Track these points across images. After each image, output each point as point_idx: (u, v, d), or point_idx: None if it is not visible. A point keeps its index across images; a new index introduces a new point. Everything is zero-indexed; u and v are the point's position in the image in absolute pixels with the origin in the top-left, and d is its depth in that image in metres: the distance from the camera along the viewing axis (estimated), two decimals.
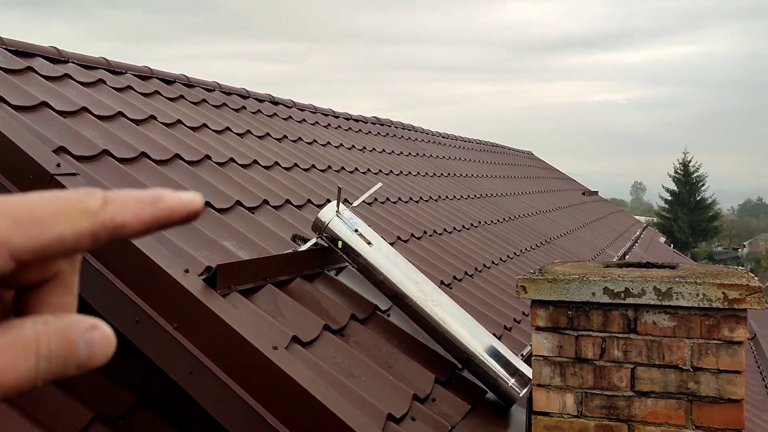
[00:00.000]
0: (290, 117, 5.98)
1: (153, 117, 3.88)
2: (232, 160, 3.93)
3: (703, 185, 63.38)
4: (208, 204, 3.14)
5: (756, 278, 2.17)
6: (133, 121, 3.67)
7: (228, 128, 4.53)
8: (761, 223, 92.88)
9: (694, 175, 63.06)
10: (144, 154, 3.24)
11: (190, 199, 0.35)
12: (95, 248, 0.34)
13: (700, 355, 2.15)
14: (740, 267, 2.50)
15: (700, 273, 2.25)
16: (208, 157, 3.72)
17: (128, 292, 2.34)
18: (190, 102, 4.67)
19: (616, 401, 2.23)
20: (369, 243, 3.09)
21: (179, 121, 4.06)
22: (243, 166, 4.00)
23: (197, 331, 2.31)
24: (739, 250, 73.64)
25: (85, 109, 3.39)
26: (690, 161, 63.28)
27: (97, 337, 0.34)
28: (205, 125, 4.29)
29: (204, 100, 4.86)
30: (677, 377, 2.17)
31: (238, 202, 3.37)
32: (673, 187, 63.94)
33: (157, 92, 4.43)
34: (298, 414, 2.21)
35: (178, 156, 3.48)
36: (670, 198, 64.53)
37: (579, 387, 2.27)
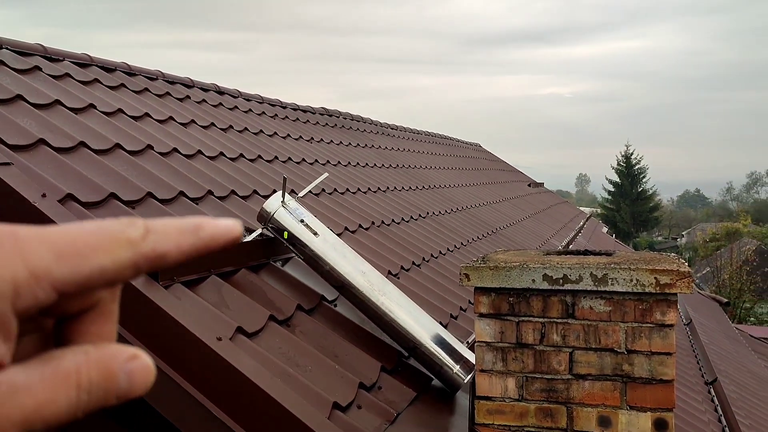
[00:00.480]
0: (236, 107, 5.91)
1: (92, 106, 3.78)
2: (175, 150, 3.87)
3: (644, 177, 65.42)
4: (150, 195, 3.09)
5: (686, 264, 2.27)
6: (71, 109, 3.56)
7: (171, 118, 4.45)
8: (698, 213, 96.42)
9: (636, 167, 65.00)
10: (83, 144, 3.16)
11: (229, 226, 0.35)
12: (137, 277, 0.34)
13: (634, 338, 2.24)
14: (673, 254, 2.61)
15: (634, 260, 2.34)
16: (150, 147, 3.65)
17: None
18: (132, 91, 4.56)
19: (556, 384, 2.30)
20: (315, 233, 3.09)
21: (120, 110, 3.96)
22: (187, 156, 3.94)
23: (139, 323, 2.28)
24: (678, 239, 76.27)
25: (20, 97, 3.28)
26: (632, 154, 65.19)
27: (137, 367, 0.34)
28: (147, 114, 4.20)
29: (146, 89, 4.75)
30: (613, 360, 2.25)
31: (182, 193, 3.32)
32: (616, 178, 65.77)
33: (96, 80, 4.31)
34: (244, 405, 2.21)
35: (118, 146, 3.40)
36: (613, 189, 66.36)
37: (520, 371, 2.33)
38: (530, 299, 2.32)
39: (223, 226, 0.35)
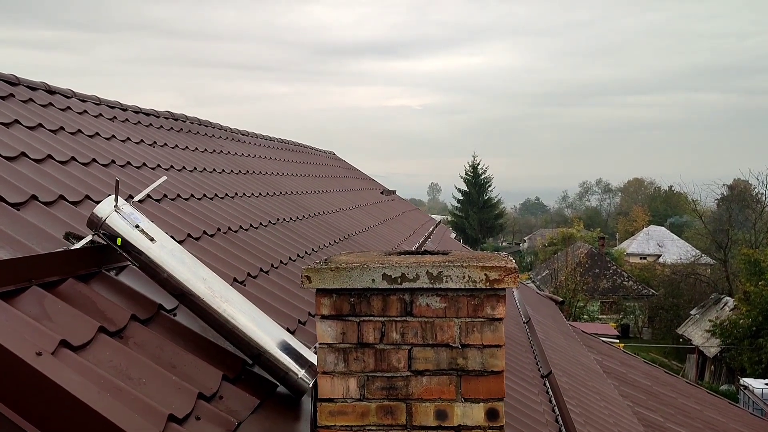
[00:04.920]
0: (69, 108, 5.51)
1: None
2: None
3: (489, 186, 69.29)
4: None
5: (513, 261, 2.41)
6: None
7: None
8: (538, 220, 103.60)
9: (482, 176, 68.68)
10: None
11: None
12: None
13: (467, 332, 2.34)
14: (503, 252, 2.76)
15: (467, 258, 2.45)
16: None
17: None
18: None
19: (395, 382, 2.34)
20: (152, 239, 2.94)
21: None
22: (8, 158, 3.61)
23: None
24: (521, 244, 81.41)
25: None
26: (478, 164, 68.80)
27: None
28: None
29: None
30: (448, 354, 2.34)
31: (0, 198, 3.03)
32: (464, 187, 69.07)
33: None
34: (69, 424, 2.04)
35: None
36: (461, 198, 69.63)
37: (362, 371, 2.35)
38: (371, 299, 2.35)
39: None
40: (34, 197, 3.28)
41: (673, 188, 76.17)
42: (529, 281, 44.30)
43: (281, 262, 5.00)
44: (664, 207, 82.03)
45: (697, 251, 47.73)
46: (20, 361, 2.05)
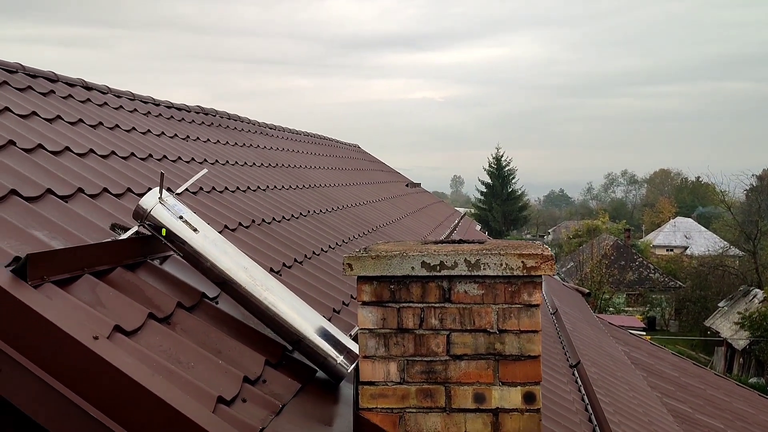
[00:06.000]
0: (105, 103, 5.65)
1: None
2: (40, 146, 3.66)
3: (513, 178, 68.85)
4: (14, 192, 2.91)
5: (549, 248, 2.47)
6: None
7: (35, 113, 4.20)
8: (563, 212, 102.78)
9: (506, 168, 68.24)
10: None
11: None
12: None
13: (504, 318, 2.40)
14: (537, 241, 2.82)
15: (503, 246, 2.51)
16: (12, 142, 3.44)
17: None
18: None
19: (435, 366, 2.42)
20: (195, 230, 3.04)
21: None
22: (53, 153, 3.74)
23: (5, 325, 2.15)
24: (545, 237, 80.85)
25: None
26: (502, 156, 68.38)
27: None
28: (8, 109, 3.94)
29: (5, 83, 4.45)
30: (486, 340, 2.41)
31: (49, 190, 3.16)
32: (488, 180, 68.70)
33: None
34: (124, 404, 2.15)
35: None
36: (485, 190, 69.26)
37: (401, 355, 2.43)
38: (410, 286, 2.43)
39: None
40: (80, 190, 3.40)
41: (700, 179, 75.16)
42: (554, 273, 43.99)
43: (314, 252, 5.10)
44: (692, 198, 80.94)
45: (726, 243, 47.05)
46: (79, 344, 2.16)
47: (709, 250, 45.42)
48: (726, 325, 32.29)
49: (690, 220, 66.16)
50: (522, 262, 2.36)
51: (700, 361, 28.70)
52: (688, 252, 52.93)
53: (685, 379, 11.33)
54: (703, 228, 61.48)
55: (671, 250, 57.00)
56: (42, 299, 2.24)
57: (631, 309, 41.19)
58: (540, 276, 2.39)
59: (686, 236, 58.94)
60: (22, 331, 2.15)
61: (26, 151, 3.49)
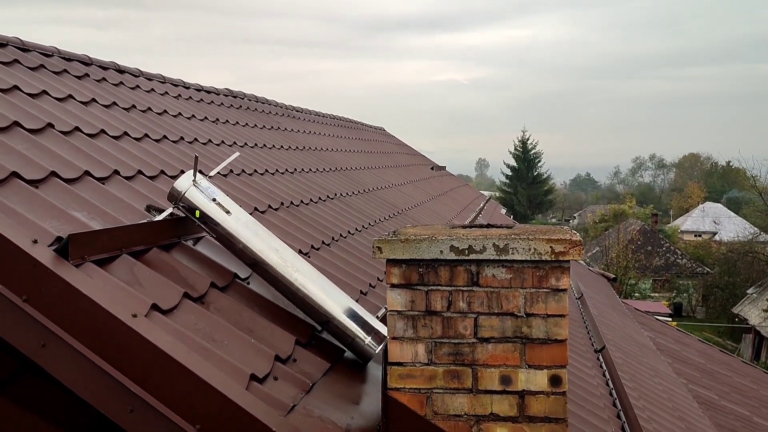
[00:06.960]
0: (138, 86, 5.74)
1: None
2: (77, 129, 3.75)
3: (539, 161, 68.26)
4: (54, 174, 3.00)
5: (577, 234, 2.49)
6: None
7: (71, 96, 4.29)
8: (589, 196, 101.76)
9: (532, 152, 67.65)
10: None
11: None
12: None
13: (532, 302, 2.44)
14: (565, 227, 2.84)
15: (532, 231, 2.53)
16: (50, 125, 3.53)
17: None
18: (27, 67, 4.35)
19: (462, 348, 2.46)
20: (228, 212, 3.11)
21: (16, 87, 3.79)
22: (90, 135, 3.83)
23: (49, 302, 2.24)
24: (570, 221, 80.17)
25: None
26: (528, 139, 67.79)
27: None
28: (45, 92, 4.03)
29: (42, 66, 4.55)
30: (513, 323, 2.44)
31: (87, 172, 3.25)
32: (513, 163, 68.19)
33: None
34: (163, 380, 2.23)
35: (17, 123, 3.27)
36: (510, 173, 68.78)
37: (429, 337, 2.48)
38: (438, 269, 2.47)
39: None
40: (116, 172, 3.49)
41: (731, 163, 73.76)
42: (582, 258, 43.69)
43: (341, 235, 5.16)
44: (721, 183, 79.57)
45: (756, 228, 46.22)
46: (119, 321, 2.25)
47: (738, 236, 44.68)
48: (754, 312, 31.85)
49: (719, 205, 65.10)
50: (550, 247, 2.39)
51: (727, 348, 28.40)
52: (716, 237, 52.16)
53: (711, 366, 11.26)
54: (732, 213, 60.47)
55: (699, 236, 56.20)
56: (83, 278, 2.33)
57: (657, 294, 40.80)
58: (568, 261, 2.41)
59: (715, 221, 58.06)
60: (65, 308, 2.24)
61: (64, 133, 3.58)
